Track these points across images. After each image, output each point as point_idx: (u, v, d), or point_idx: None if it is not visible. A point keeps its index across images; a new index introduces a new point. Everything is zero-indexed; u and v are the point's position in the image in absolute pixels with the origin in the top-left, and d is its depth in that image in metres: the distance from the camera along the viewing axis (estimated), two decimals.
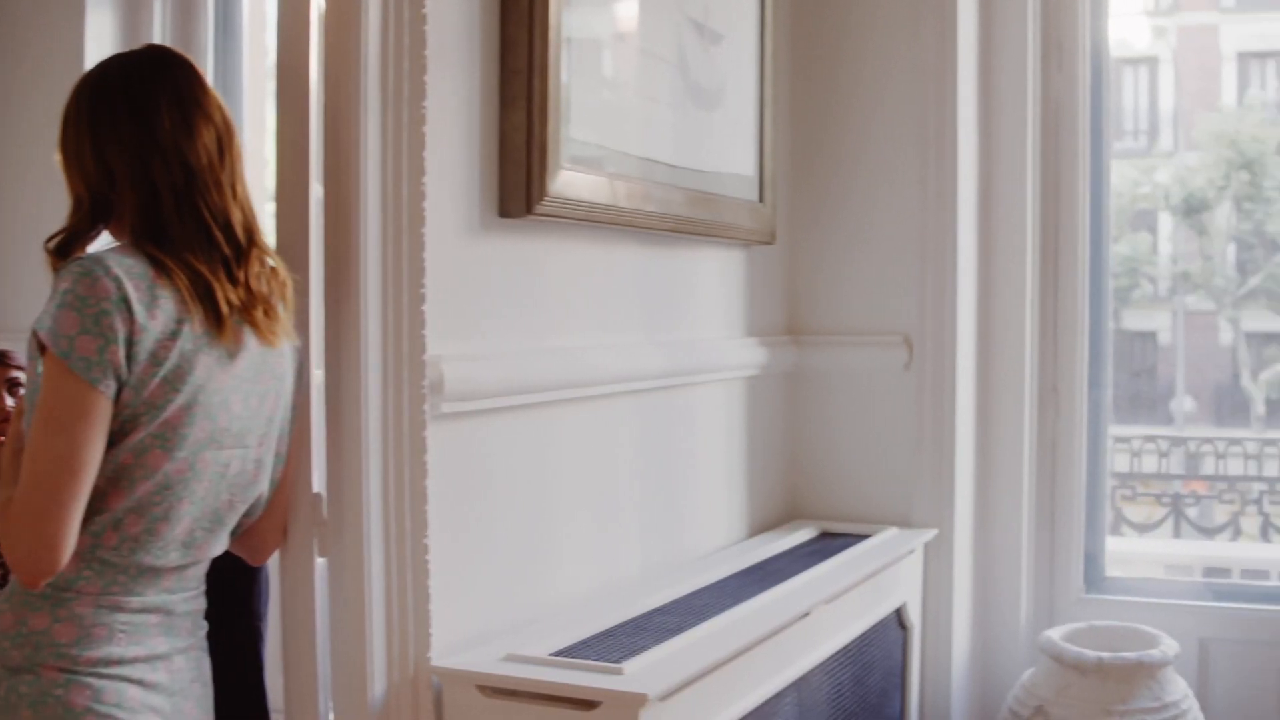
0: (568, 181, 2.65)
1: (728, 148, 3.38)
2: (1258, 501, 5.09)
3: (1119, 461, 5.46)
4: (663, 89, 3.08)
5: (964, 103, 3.81)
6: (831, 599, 3.09)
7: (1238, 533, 5.15)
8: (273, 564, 2.42)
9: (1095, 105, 4.11)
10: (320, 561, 2.35)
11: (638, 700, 2.26)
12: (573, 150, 2.69)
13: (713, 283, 3.44)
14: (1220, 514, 5.27)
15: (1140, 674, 3.52)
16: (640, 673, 2.37)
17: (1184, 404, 9.59)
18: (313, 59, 2.30)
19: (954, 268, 3.76)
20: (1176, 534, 5.07)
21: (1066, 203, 4.07)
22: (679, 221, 3.09)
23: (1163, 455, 5.46)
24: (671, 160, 3.09)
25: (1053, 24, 4.06)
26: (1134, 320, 9.68)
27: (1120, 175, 9.34)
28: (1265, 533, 5.02)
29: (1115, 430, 5.80)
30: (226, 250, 2.01)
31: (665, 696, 2.34)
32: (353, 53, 2.25)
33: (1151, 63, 10.02)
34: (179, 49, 3.28)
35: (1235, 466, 5.51)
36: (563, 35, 2.64)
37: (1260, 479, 5.25)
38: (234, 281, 2.01)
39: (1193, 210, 9.54)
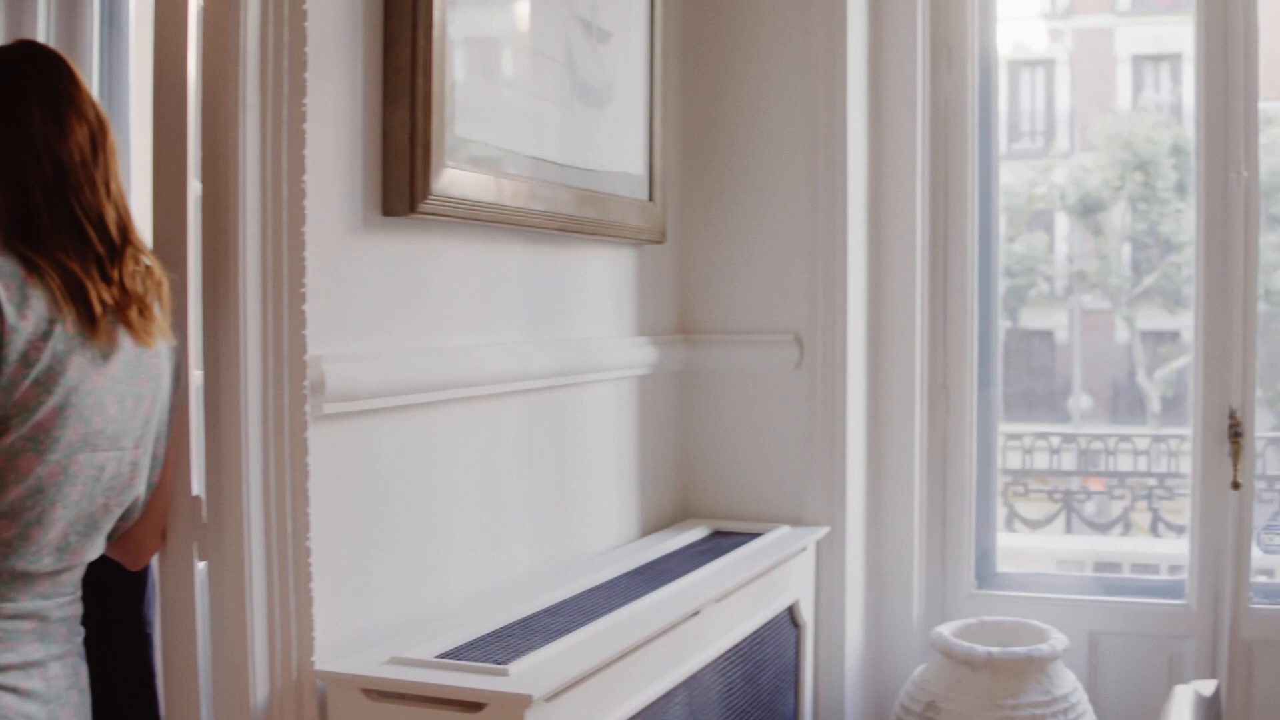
0: (452, 180, 2.65)
1: (617, 146, 3.40)
2: (1148, 497, 5.19)
3: (1011, 459, 5.55)
4: (550, 87, 3.09)
5: (853, 103, 3.85)
6: (722, 597, 3.12)
7: (1128, 528, 5.26)
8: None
9: (984, 106, 4.18)
10: (200, 565, 2.33)
11: (522, 701, 2.27)
12: (458, 148, 2.69)
13: (602, 282, 3.45)
14: (1111, 510, 5.38)
15: (1030, 668, 3.58)
16: (526, 674, 2.38)
17: (1081, 401, 9.75)
18: (191, 54, 2.28)
19: (844, 267, 3.81)
20: (1068, 530, 5.17)
21: (956, 203, 4.13)
22: (567, 220, 3.10)
23: (1054, 452, 5.56)
24: (559, 159, 3.09)
25: (942, 26, 4.12)
26: (1031, 319, 9.81)
27: (1017, 175, 9.48)
28: (1155, 527, 5.13)
29: (1008, 428, 5.89)
30: (100, 249, 1.99)
31: (551, 697, 2.35)
32: (231, 49, 2.24)
33: (1048, 65, 10.16)
34: (63, 47, 3.27)
35: (1126, 463, 5.62)
36: (447, 32, 2.64)
37: (1150, 475, 5.36)
38: (108, 281, 1.99)
39: (1089, 210, 9.69)
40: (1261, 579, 4.28)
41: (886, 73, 4.04)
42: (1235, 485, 3.93)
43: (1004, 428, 5.27)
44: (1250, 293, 3.94)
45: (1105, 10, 10.29)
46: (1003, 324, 9.82)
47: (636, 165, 3.49)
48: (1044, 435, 5.62)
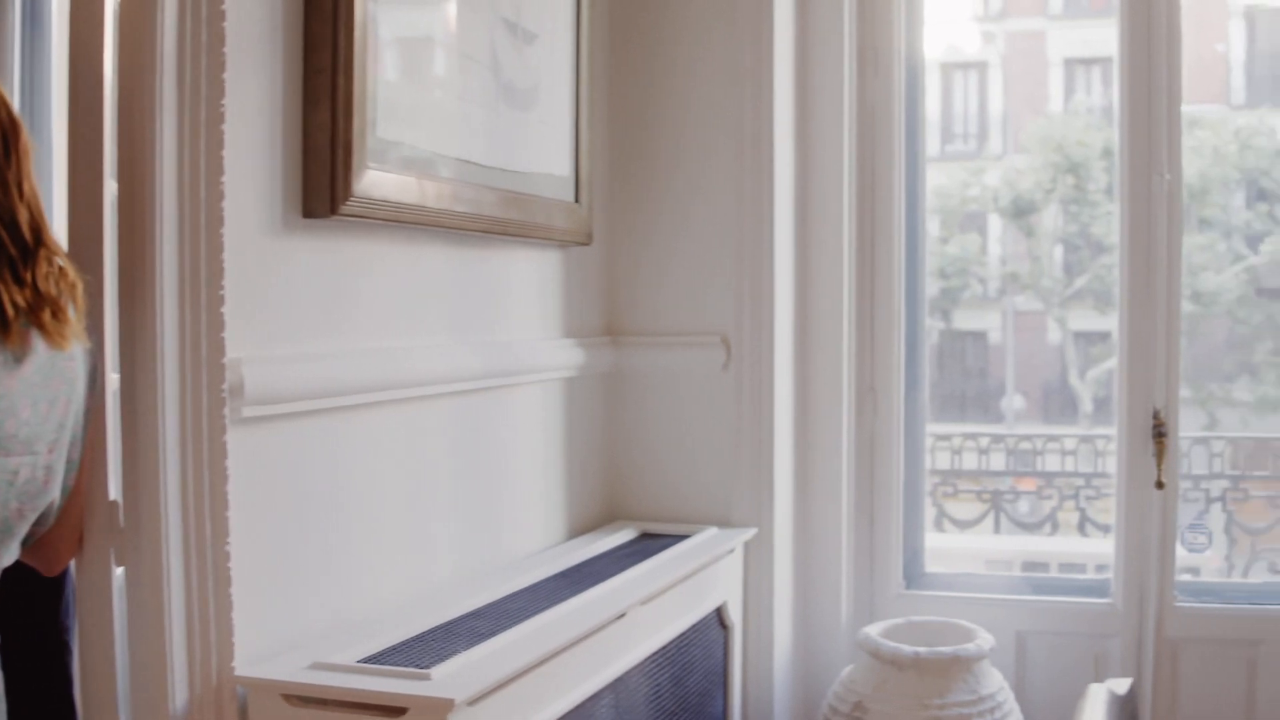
0: (374, 181, 2.64)
1: (542, 148, 3.40)
2: (1075, 497, 5.26)
3: (941, 459, 5.60)
4: (474, 88, 3.09)
5: (780, 106, 3.88)
6: (648, 599, 3.13)
7: (1056, 528, 5.32)
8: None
9: (911, 109, 4.22)
10: (118, 571, 2.31)
11: (445, 705, 2.27)
12: (380, 150, 2.69)
13: (528, 284, 3.45)
14: (1040, 509, 5.44)
15: (956, 668, 3.61)
16: (448, 677, 2.38)
17: (1014, 402, 9.84)
18: (108, 54, 2.26)
19: (771, 268, 3.83)
20: (997, 530, 5.22)
21: (883, 205, 4.17)
22: (491, 222, 3.10)
23: (983, 453, 5.62)
24: (483, 160, 3.09)
25: (868, 29, 4.16)
26: (965, 320, 9.90)
27: (950, 177, 9.56)
28: (1083, 527, 5.19)
29: (938, 428, 5.94)
30: (12, 250, 1.97)
31: (474, 701, 2.35)
32: (148, 48, 2.22)
33: (981, 67, 10.25)
34: None
35: (1055, 463, 5.69)
36: (369, 33, 2.63)
37: (1078, 475, 5.43)
38: (20, 283, 1.97)
39: (1021, 212, 9.79)
40: (1186, 577, 4.35)
41: (813, 76, 4.07)
42: (1159, 485, 3.98)
43: (933, 428, 5.32)
44: (1174, 294, 4.00)
45: (1037, 14, 10.40)
46: (937, 325, 9.92)
47: (562, 167, 3.49)
48: (973, 436, 5.67)
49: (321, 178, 2.57)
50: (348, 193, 2.58)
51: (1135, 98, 4.02)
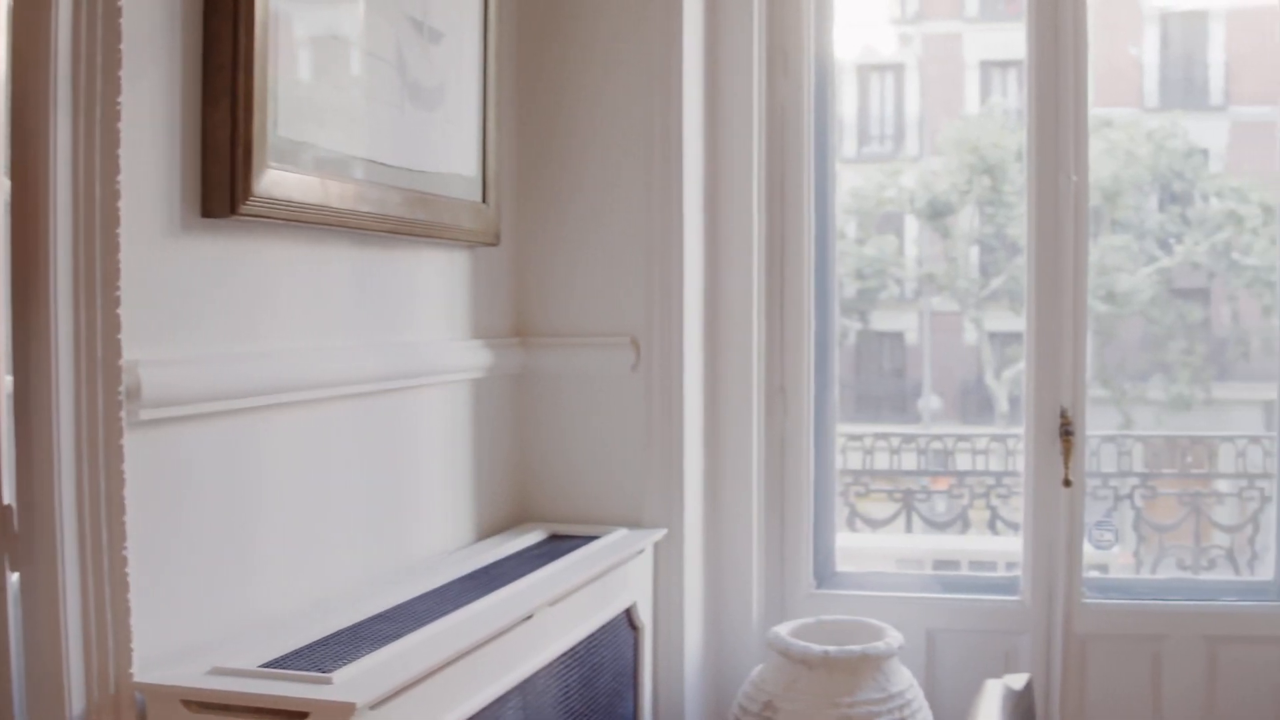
0: (275, 181, 2.63)
1: (449, 148, 3.39)
2: (985, 495, 5.32)
3: (853, 459, 5.64)
4: (379, 87, 3.07)
5: (689, 107, 3.89)
6: (556, 601, 3.13)
7: (967, 526, 5.38)
8: None
9: (820, 110, 4.25)
10: (13, 577, 2.28)
11: (346, 709, 2.26)
12: (281, 149, 2.67)
13: (434, 284, 3.44)
14: (951, 508, 5.49)
15: (865, 666, 3.64)
16: (350, 681, 2.37)
17: (931, 402, 9.93)
18: (0, 50, 2.23)
19: (680, 269, 3.85)
20: (909, 529, 5.27)
21: (792, 206, 4.19)
22: (397, 222, 3.09)
23: (894, 452, 5.67)
24: (388, 160, 3.08)
25: (778, 30, 4.18)
26: (882, 321, 9.96)
27: (867, 179, 9.62)
28: (993, 525, 5.25)
29: (851, 428, 5.99)
30: None
31: (377, 704, 2.34)
32: (42, 44, 2.20)
33: (898, 69, 10.32)
34: None
35: (966, 462, 5.75)
36: (271, 30, 2.61)
37: (989, 473, 5.49)
38: None
39: (937, 214, 9.86)
40: (1094, 574, 4.42)
41: (723, 77, 4.09)
42: (1066, 483, 4.04)
43: (849, 428, 5.36)
44: (1080, 295, 4.05)
45: (953, 16, 10.49)
46: (854, 326, 9.99)
47: (469, 167, 3.49)
48: (884, 436, 5.72)
49: (221, 177, 2.55)
50: (248, 192, 2.56)
51: (1043, 100, 4.07)
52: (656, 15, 3.84)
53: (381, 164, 3.05)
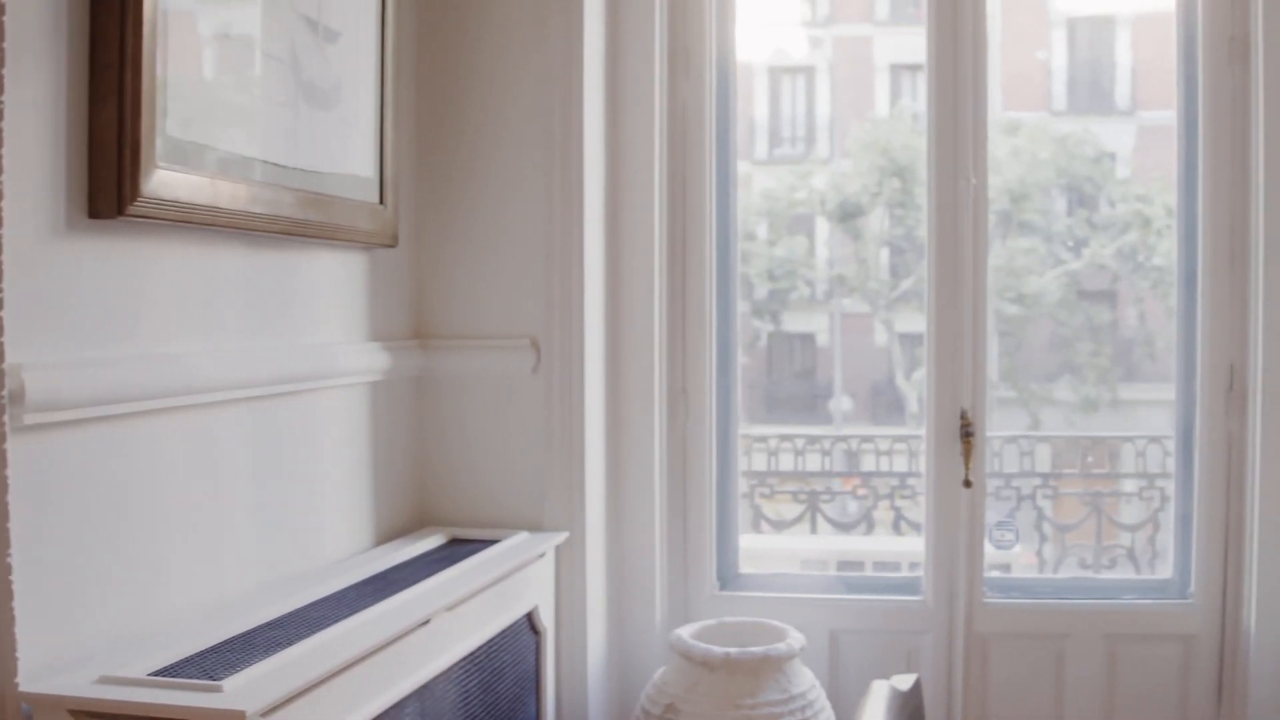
0: (164, 181, 2.60)
1: (344, 148, 3.37)
2: (890, 496, 5.35)
3: (758, 460, 5.66)
4: (273, 87, 3.05)
5: (590, 108, 3.90)
6: (454, 605, 3.13)
7: (872, 527, 5.41)
8: None
9: (722, 111, 4.27)
10: None
11: (235, 717, 2.25)
12: (171, 149, 2.64)
13: (330, 286, 3.42)
14: (857, 509, 5.53)
15: (767, 667, 3.66)
16: (241, 689, 2.36)
17: (842, 403, 9.99)
18: None
19: (580, 271, 3.86)
20: (813, 530, 5.30)
21: (694, 208, 4.21)
22: (290, 223, 3.07)
23: (799, 454, 5.69)
24: (282, 160, 3.06)
25: (680, 31, 4.20)
26: (793, 322, 10.01)
27: (778, 181, 9.66)
28: (897, 526, 5.29)
29: (758, 429, 6.01)
30: None
31: (267, 712, 2.33)
32: None
33: (809, 72, 10.36)
34: None
35: (871, 463, 5.79)
36: (159, 29, 2.59)
37: (892, 474, 5.53)
38: None
39: (848, 215, 9.92)
40: (996, 574, 4.47)
41: (625, 78, 4.10)
42: (967, 484, 4.09)
43: (757, 430, 5.38)
44: (980, 297, 4.10)
45: (864, 19, 10.55)
46: (766, 327, 10.02)
47: (366, 168, 3.47)
48: (789, 437, 5.75)
49: (108, 177, 2.52)
50: (135, 193, 2.53)
51: (942, 104, 4.12)
52: (557, 16, 3.85)
53: (275, 164, 3.03)
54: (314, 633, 2.72)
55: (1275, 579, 3.94)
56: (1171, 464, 4.29)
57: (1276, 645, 3.95)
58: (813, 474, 5.66)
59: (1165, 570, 4.33)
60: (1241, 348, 4.01)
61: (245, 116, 2.95)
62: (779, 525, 5.19)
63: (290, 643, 2.64)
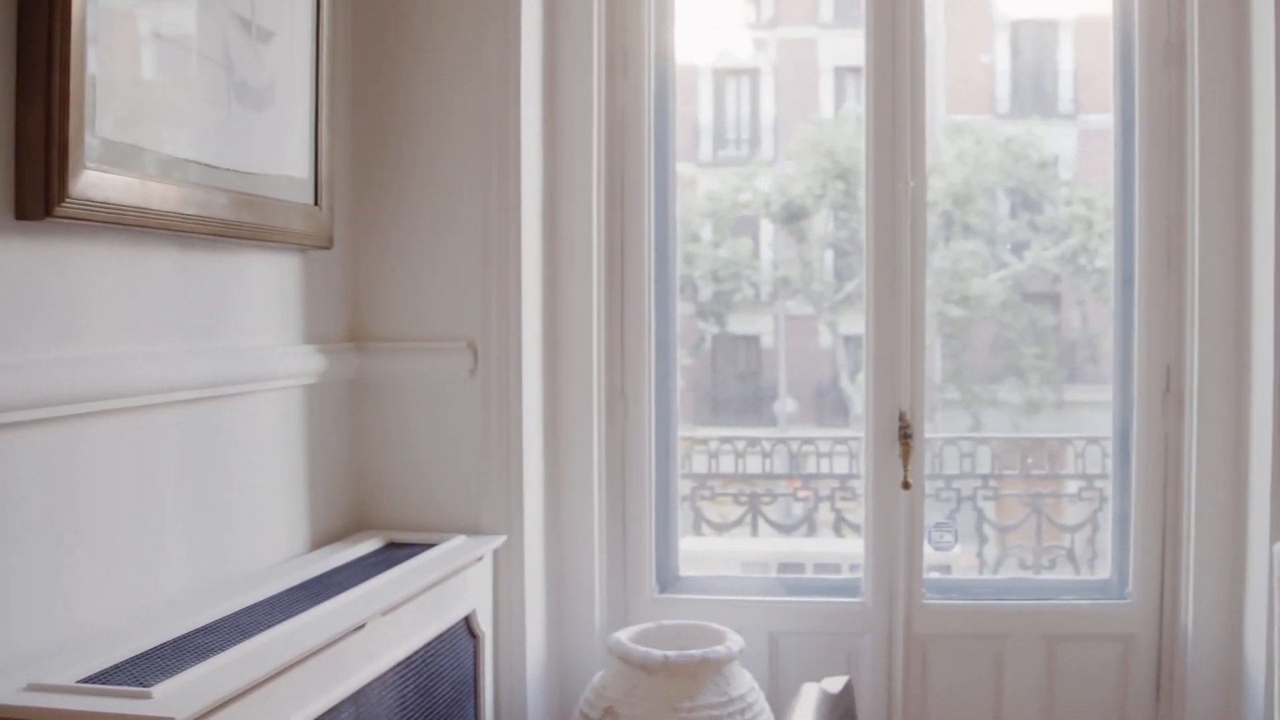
0: (92, 182, 2.58)
1: (279, 149, 3.35)
2: (830, 498, 5.38)
3: (699, 463, 5.68)
4: (205, 87, 3.03)
5: (528, 108, 3.90)
6: (390, 610, 3.12)
7: (813, 529, 5.44)
8: None
9: (661, 113, 4.27)
10: None
11: None
12: (100, 150, 2.62)
13: (264, 288, 3.40)
14: (798, 511, 5.55)
15: (706, 670, 3.67)
16: (171, 696, 2.34)
17: (786, 405, 10.02)
18: None
19: (518, 272, 3.85)
20: (754, 532, 5.32)
21: (632, 210, 4.21)
22: (223, 225, 3.05)
23: (739, 455, 5.71)
24: (214, 161, 3.04)
25: (618, 32, 4.20)
26: (738, 324, 10.03)
27: (723, 182, 9.69)
28: (838, 528, 5.32)
29: (703, 431, 6.03)
30: None
31: (198, 719, 2.31)
32: None
33: (753, 74, 10.39)
34: None
35: (812, 464, 5.81)
36: (88, 28, 2.57)
37: (833, 476, 5.56)
38: None
39: (792, 217, 9.95)
40: (935, 575, 4.49)
41: (563, 79, 4.10)
42: (905, 485, 4.11)
43: (700, 432, 5.40)
44: (919, 299, 4.13)
45: (809, 22, 10.59)
46: (711, 329, 10.04)
47: (301, 169, 3.45)
48: (729, 439, 5.77)
49: (35, 178, 2.50)
50: (64, 194, 2.51)
51: (881, 107, 4.15)
52: (495, 17, 3.84)
53: (207, 165, 3.01)
54: (247, 638, 2.70)
55: (1211, 578, 3.99)
56: (1110, 465, 4.32)
57: (1213, 644, 3.99)
58: (754, 476, 5.68)
59: (1104, 570, 4.37)
60: (1178, 349, 4.06)
61: (177, 117, 2.93)
62: (720, 528, 5.21)
63: (222, 648, 2.63)
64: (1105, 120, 4.23)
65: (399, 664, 3.21)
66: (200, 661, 2.53)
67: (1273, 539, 3.70)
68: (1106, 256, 4.21)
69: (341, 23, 3.74)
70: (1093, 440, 5.29)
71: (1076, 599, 4.26)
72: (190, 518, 3.04)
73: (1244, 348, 3.92)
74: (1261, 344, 3.81)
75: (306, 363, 3.56)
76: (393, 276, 3.92)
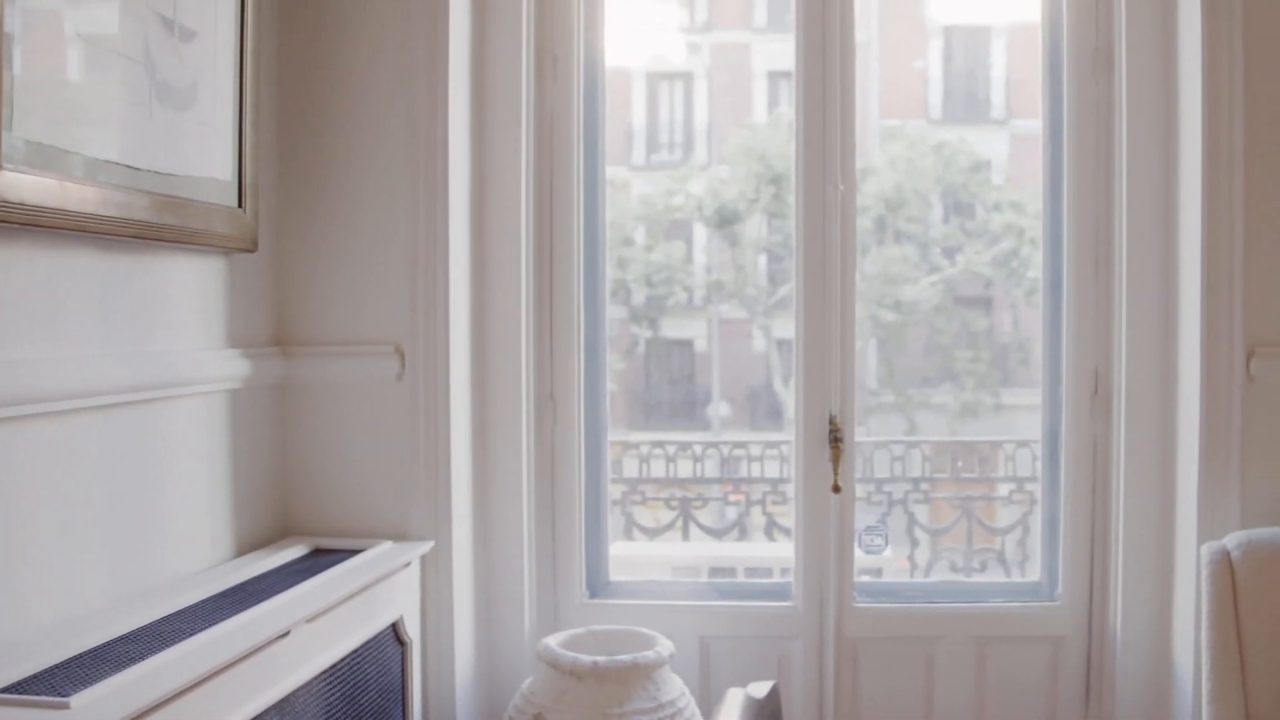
0: (8, 183, 2.54)
1: (202, 150, 3.31)
2: (762, 502, 5.40)
3: (630, 467, 5.68)
4: (125, 87, 2.99)
5: (456, 111, 3.88)
6: (314, 617, 3.10)
7: (744, 532, 5.45)
8: None
9: (590, 117, 4.26)
10: None
11: None
12: (17, 150, 2.58)
13: (187, 292, 3.36)
14: (729, 515, 5.56)
15: (636, 675, 3.66)
16: (89, 706, 2.32)
17: (720, 409, 10.04)
18: None
19: (446, 277, 3.84)
20: (686, 536, 5.32)
21: (561, 213, 4.20)
22: (144, 227, 3.01)
23: (670, 460, 5.72)
24: (136, 163, 3.00)
25: (547, 34, 4.19)
26: (672, 328, 10.05)
27: (655, 186, 9.69)
28: (769, 532, 5.33)
29: (636, 436, 6.03)
30: None
31: None
32: None
33: (686, 78, 10.40)
34: None
35: (744, 469, 5.83)
36: (6, 28, 2.53)
37: (764, 480, 5.58)
38: None
39: (726, 222, 9.97)
40: (866, 579, 4.51)
41: (492, 81, 4.09)
42: (836, 489, 4.12)
43: (629, 436, 5.39)
44: (849, 304, 4.14)
45: (742, 27, 10.61)
46: (644, 334, 10.04)
47: (224, 170, 3.41)
48: (661, 443, 5.77)
49: None
50: None
51: (811, 111, 4.16)
52: (422, 15, 3.82)
53: (128, 167, 2.97)
54: (168, 646, 2.67)
55: (1140, 579, 4.03)
56: (1040, 468, 4.36)
57: (1142, 645, 4.03)
58: (686, 480, 5.69)
59: (1034, 572, 4.40)
60: (1106, 353, 4.09)
61: (98, 118, 2.90)
62: (651, 532, 5.20)
63: (143, 657, 2.60)
64: (1036, 126, 4.26)
65: (325, 671, 3.19)
66: (121, 671, 2.50)
67: (1200, 540, 3.74)
68: (1037, 262, 4.24)
69: (266, 23, 3.71)
70: (1023, 443, 5.34)
71: (1007, 601, 4.29)
72: (112, 525, 3.00)
73: (1170, 351, 3.96)
74: (1188, 347, 3.86)
75: (230, 367, 3.52)
76: (318, 280, 3.88)
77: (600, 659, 3.67)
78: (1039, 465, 4.39)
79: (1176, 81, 3.91)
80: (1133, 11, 3.97)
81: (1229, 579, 3.54)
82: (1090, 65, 4.07)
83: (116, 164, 2.93)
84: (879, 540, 4.51)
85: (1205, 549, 3.63)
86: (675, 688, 3.77)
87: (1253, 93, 3.73)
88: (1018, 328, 9.50)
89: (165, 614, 2.96)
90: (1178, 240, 3.92)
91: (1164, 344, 3.98)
